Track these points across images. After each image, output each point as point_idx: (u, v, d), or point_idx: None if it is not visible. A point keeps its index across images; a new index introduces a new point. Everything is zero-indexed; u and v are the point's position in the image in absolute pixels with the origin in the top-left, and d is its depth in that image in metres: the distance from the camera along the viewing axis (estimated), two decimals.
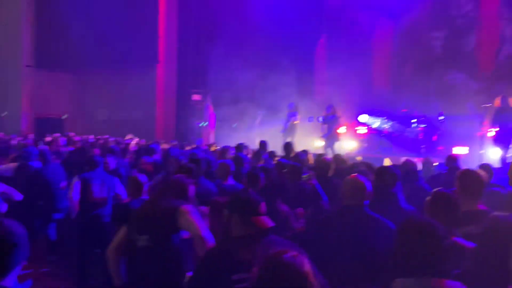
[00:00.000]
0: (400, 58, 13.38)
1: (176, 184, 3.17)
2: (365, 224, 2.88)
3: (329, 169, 5.03)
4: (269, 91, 13.22)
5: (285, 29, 14.72)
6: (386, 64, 13.59)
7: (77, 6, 15.39)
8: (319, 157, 5.82)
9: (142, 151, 7.62)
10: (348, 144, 12.49)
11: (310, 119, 11.73)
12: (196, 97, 14.94)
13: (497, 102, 8.55)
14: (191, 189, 3.19)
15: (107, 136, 11.31)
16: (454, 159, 5.41)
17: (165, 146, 8.58)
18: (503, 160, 8.15)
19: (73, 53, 15.56)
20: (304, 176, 4.19)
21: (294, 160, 5.70)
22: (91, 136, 11.64)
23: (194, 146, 9.50)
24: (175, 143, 9.72)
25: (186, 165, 4.27)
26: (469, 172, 3.36)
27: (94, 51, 14.96)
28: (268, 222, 2.41)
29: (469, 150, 10.11)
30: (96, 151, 7.32)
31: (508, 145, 8.36)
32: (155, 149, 6.91)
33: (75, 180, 5.05)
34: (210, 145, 9.83)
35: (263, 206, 2.48)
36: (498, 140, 8.48)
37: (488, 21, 11.53)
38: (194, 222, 2.87)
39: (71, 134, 10.53)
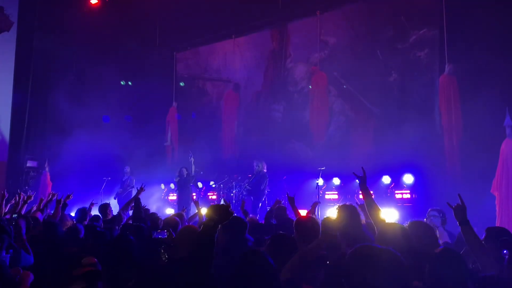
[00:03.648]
0: (246, 127, 14.21)
1: None
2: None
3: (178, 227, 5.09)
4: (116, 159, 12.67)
5: (137, 95, 14.66)
6: (233, 131, 14.31)
7: None
8: (170, 216, 5.93)
9: None
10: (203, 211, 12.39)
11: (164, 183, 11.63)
12: (31, 163, 13.37)
13: None
14: None
15: None
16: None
17: None
18: None
19: None
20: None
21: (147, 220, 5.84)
22: None
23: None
24: None
25: None
26: (303, 219, 3.53)
27: None
28: None
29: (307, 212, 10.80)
30: None
31: None
32: None
33: None
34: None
35: None
36: None
37: (319, 97, 13.02)
38: None
39: None
